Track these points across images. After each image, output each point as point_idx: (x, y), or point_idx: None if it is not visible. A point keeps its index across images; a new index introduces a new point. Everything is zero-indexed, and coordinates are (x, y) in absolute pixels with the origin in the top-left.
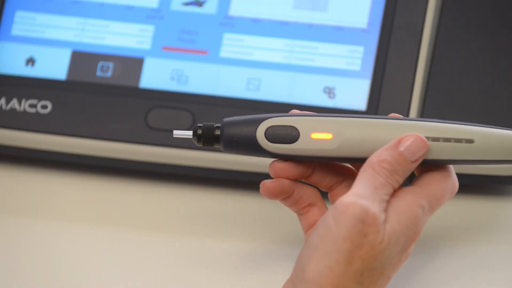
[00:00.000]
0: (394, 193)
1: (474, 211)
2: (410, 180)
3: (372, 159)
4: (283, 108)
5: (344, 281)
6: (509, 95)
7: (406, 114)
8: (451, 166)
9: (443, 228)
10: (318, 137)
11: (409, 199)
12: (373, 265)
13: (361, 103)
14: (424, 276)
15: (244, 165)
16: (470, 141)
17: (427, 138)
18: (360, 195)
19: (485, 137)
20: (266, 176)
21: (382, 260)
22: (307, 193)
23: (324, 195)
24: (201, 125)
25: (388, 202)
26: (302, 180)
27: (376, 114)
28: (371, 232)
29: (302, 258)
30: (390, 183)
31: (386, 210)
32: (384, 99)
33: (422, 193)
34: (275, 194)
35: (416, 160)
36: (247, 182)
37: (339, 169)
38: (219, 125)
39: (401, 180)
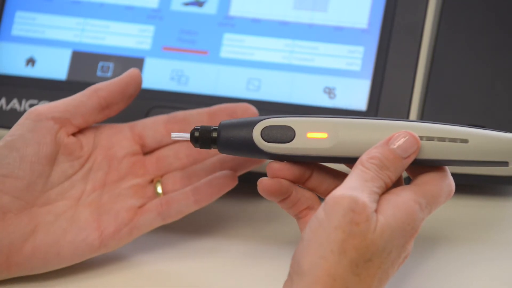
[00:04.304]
0: (391, 190)
1: (473, 211)
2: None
3: (362, 157)
4: (283, 108)
5: (340, 271)
6: (509, 96)
7: (406, 114)
8: (446, 168)
9: (442, 227)
10: (314, 136)
11: (406, 195)
12: (367, 255)
13: (361, 103)
14: (423, 275)
15: None
16: (464, 141)
17: (422, 137)
18: (349, 187)
19: (480, 137)
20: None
21: (377, 251)
22: (305, 196)
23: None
24: (199, 127)
25: (380, 195)
26: (300, 185)
27: (376, 114)
28: (362, 220)
29: (297, 253)
30: (380, 177)
31: (378, 202)
32: (384, 99)
33: (419, 191)
34: (272, 192)
35: (408, 157)
36: (246, 182)
37: (337, 174)
38: (216, 127)
39: (393, 176)
